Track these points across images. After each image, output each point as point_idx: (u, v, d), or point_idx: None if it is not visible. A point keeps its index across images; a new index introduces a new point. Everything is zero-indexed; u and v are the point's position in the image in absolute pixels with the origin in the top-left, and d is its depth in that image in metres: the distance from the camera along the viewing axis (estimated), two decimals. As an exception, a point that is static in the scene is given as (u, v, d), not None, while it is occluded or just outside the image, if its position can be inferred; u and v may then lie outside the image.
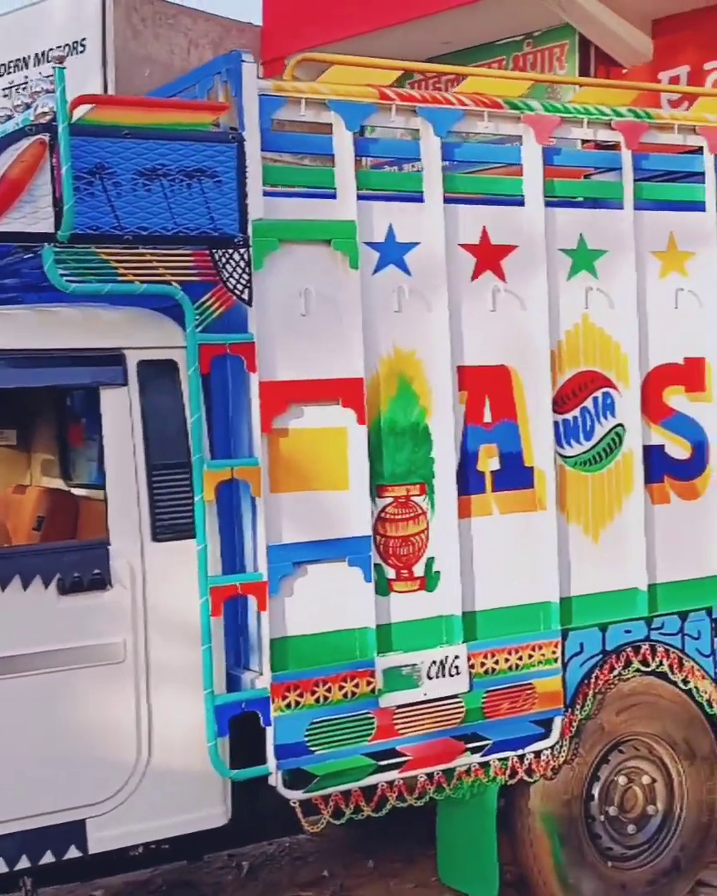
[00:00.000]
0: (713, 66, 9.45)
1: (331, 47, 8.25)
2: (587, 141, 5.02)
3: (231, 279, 4.15)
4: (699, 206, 5.27)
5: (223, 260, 4.14)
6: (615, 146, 5.06)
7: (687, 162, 5.25)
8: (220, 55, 4.44)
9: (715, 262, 5.24)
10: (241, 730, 4.33)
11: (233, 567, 4.37)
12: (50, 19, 11.99)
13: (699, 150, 5.23)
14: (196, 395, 4.14)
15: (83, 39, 11.74)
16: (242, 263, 4.16)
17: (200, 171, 4.08)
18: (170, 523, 4.23)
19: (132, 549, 4.19)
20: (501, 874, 4.81)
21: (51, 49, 12.27)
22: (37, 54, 12.12)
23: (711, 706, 5.25)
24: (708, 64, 9.44)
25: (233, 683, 4.40)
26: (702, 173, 5.24)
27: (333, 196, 4.41)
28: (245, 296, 4.18)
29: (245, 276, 4.17)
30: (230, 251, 4.14)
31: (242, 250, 4.16)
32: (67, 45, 11.92)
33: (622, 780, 5.13)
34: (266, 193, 4.25)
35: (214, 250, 4.12)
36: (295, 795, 4.35)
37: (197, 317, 4.13)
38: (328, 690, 4.37)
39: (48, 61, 12.33)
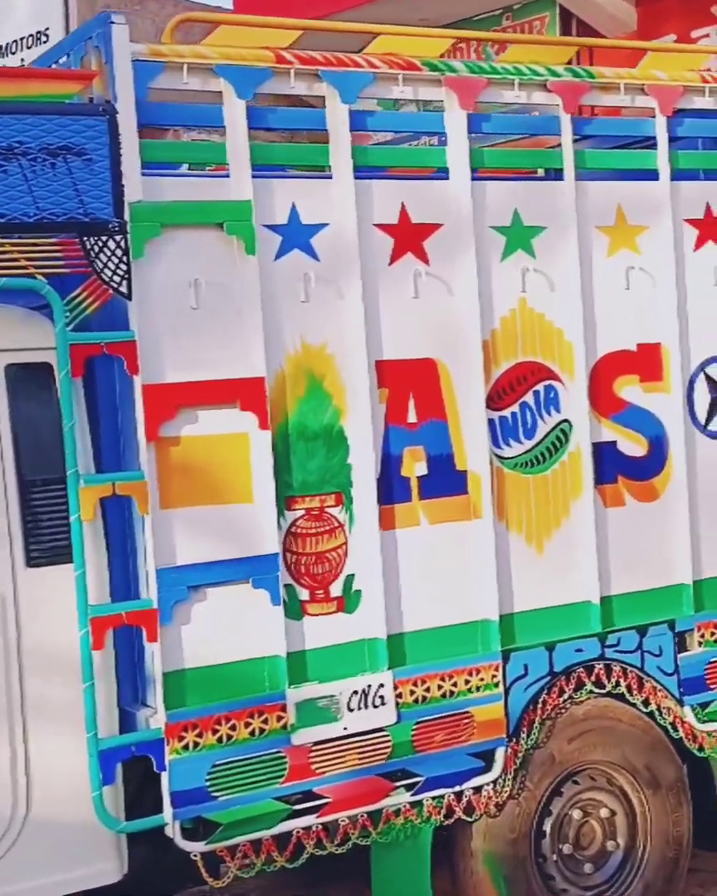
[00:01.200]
0: (701, 34, 9.11)
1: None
2: (521, 105, 4.66)
3: (106, 270, 3.79)
4: (651, 175, 4.91)
5: (96, 249, 3.78)
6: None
7: (636, 126, 4.89)
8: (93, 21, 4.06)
9: (671, 236, 4.90)
10: (146, 771, 4.02)
11: (124, 594, 4.02)
12: (12, 10, 11.82)
13: (651, 112, 4.91)
14: (68, 401, 3.78)
15: (46, 29, 11.60)
16: (118, 252, 3.80)
17: (65, 149, 3.71)
18: (46, 547, 3.88)
19: (4, 576, 3.86)
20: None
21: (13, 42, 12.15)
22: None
23: (675, 729, 4.93)
24: (696, 31, 9.11)
25: (128, 722, 4.07)
26: (653, 138, 4.91)
27: (226, 174, 4.08)
28: (123, 288, 3.81)
29: (122, 266, 3.80)
30: (104, 238, 3.77)
31: (117, 237, 3.79)
32: (31, 36, 11.72)
33: (576, 814, 4.78)
34: (146, 172, 3.88)
35: (85, 238, 3.77)
36: (195, 847, 3.99)
37: (67, 313, 3.78)
38: (233, 728, 4.02)
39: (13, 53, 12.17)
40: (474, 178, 4.45)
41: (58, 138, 3.71)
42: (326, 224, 4.21)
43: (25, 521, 3.86)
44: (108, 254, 3.79)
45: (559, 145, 4.65)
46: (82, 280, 3.80)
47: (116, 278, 3.80)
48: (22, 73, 3.78)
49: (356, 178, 4.25)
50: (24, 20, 11.81)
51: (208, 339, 4.00)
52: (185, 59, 3.94)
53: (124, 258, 3.81)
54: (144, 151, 3.86)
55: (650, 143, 4.88)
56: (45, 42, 11.41)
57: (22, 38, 12.00)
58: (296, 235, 4.16)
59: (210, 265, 3.99)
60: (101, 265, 3.78)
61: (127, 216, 3.82)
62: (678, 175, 4.91)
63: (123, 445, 3.99)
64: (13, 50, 12.26)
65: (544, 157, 4.74)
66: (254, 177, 4.07)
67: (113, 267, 3.79)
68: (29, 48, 11.90)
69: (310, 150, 4.23)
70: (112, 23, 3.78)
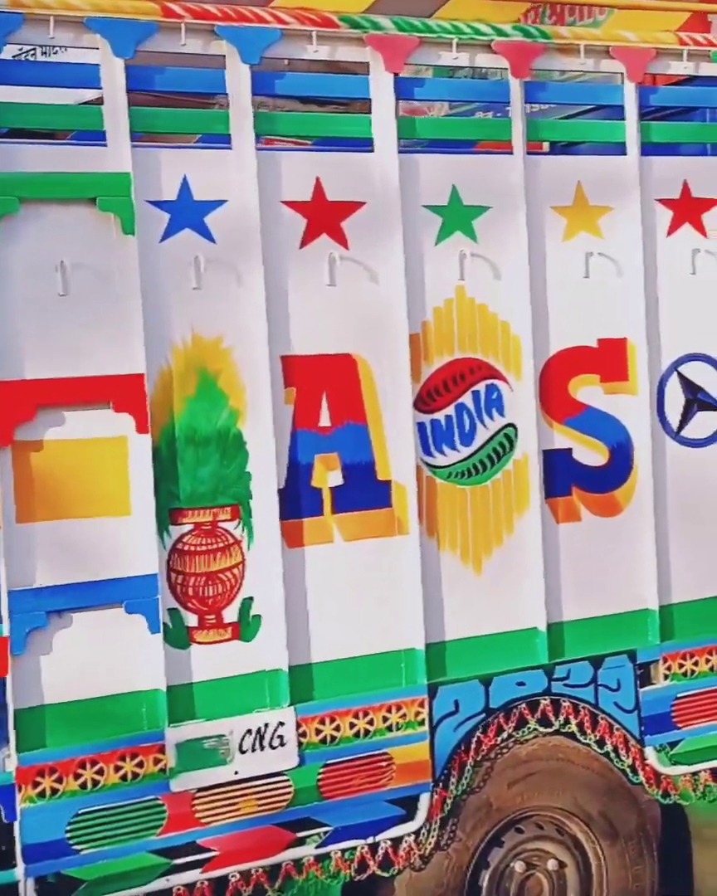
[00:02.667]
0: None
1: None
2: (460, 68, 4.06)
3: (-49, 251, 3.29)
4: (617, 149, 4.28)
5: (-61, 226, 3.28)
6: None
7: (600, 92, 4.26)
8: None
9: (639, 218, 4.26)
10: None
11: (-9, 619, 3.53)
12: None
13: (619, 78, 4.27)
14: None
15: None
16: (-35, 230, 3.30)
17: None
18: None
19: None
20: None
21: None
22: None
23: (635, 772, 4.31)
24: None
25: (-12, 763, 3.59)
26: (621, 107, 4.28)
27: (104, 142, 3.53)
28: (-29, 272, 3.32)
29: (-29, 246, 3.31)
30: (-52, 214, 3.27)
31: (-35, 213, 3.30)
32: None
33: (519, 866, 4.18)
34: (2, 140, 3.38)
35: None
36: (52, 908, 3.51)
37: None
38: (100, 772, 3.46)
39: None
40: (403, 151, 3.87)
41: None
42: (224, 201, 3.62)
43: None
44: (-46, 232, 3.27)
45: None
46: None
47: (-37, 260, 3.28)
48: None
49: (263, 149, 3.70)
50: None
51: (78, 330, 3.43)
52: (51, 11, 3.37)
53: (-28, 237, 3.29)
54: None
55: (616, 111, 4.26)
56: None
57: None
58: (187, 213, 3.57)
59: (80, 246, 3.43)
60: (-56, 245, 3.26)
61: (-23, 189, 3.31)
62: (649, 149, 4.27)
63: (-25, 451, 3.48)
64: None
65: (488, 128, 4.12)
66: (137, 146, 3.52)
67: (-41, 247, 3.27)
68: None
69: (204, 116, 3.65)
70: (-41, -30, 3.25)
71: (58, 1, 3.39)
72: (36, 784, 3.41)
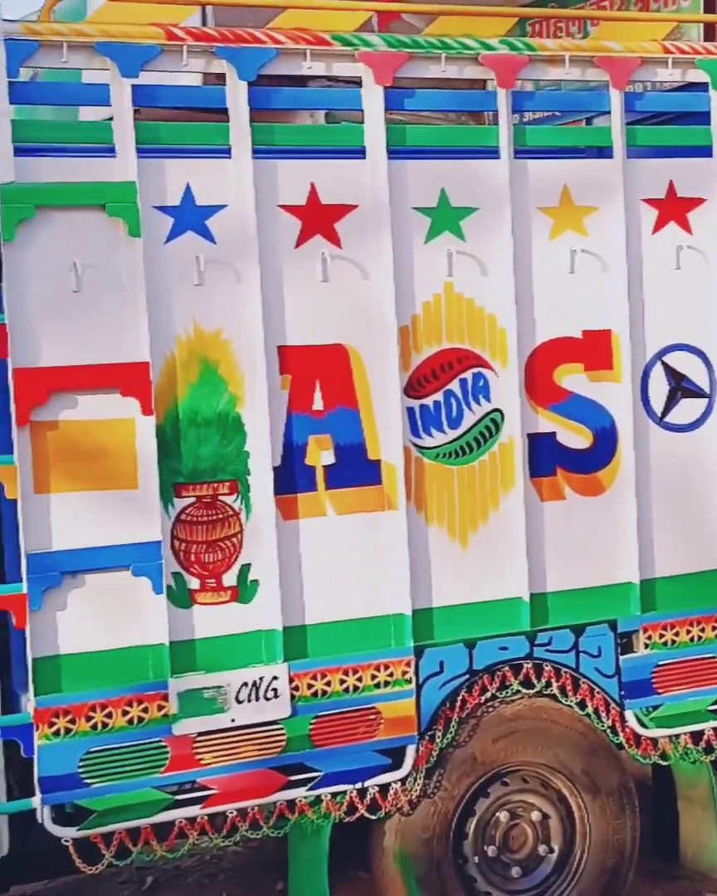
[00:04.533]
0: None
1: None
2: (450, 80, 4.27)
3: (-27, 253, 3.63)
4: (603, 152, 4.46)
5: (-37, 231, 3.62)
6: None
7: (585, 100, 4.45)
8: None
9: (624, 217, 4.43)
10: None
11: (15, 577, 3.87)
12: None
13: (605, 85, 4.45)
14: (-68, 384, 3.64)
15: None
16: (-14, 234, 3.64)
17: (-70, 131, 3.56)
18: None
19: None
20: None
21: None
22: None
23: (615, 733, 4.51)
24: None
25: (15, 705, 3.92)
26: (607, 113, 4.46)
27: (113, 154, 3.84)
28: (-9, 271, 3.66)
29: (-9, 249, 3.65)
30: (-29, 221, 3.61)
31: (-14, 219, 3.64)
32: None
33: (503, 816, 4.41)
34: (20, 152, 3.66)
35: (-49, 220, 3.61)
36: (66, 833, 3.79)
37: (-67, 297, 3.63)
38: (109, 716, 3.79)
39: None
40: (393, 158, 4.11)
41: None
42: (224, 205, 3.91)
43: None
44: (-24, 236, 3.61)
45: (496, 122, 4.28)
46: (-52, 264, 3.64)
47: (-16, 261, 3.62)
48: None
49: (262, 157, 3.97)
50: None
51: (89, 323, 3.75)
52: (64, 38, 3.70)
53: (-6, 241, 3.63)
54: (17, 131, 3.65)
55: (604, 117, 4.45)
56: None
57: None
58: (190, 217, 3.86)
59: (91, 248, 3.74)
60: (-33, 248, 3.60)
61: (-3, 199, 3.64)
62: (635, 152, 4.45)
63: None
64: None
65: (475, 135, 4.34)
66: (145, 157, 3.81)
67: (-19, 250, 3.61)
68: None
69: (206, 129, 3.93)
70: (-19, 3, 3.59)
71: (70, 28, 3.72)
72: (51, 724, 3.75)
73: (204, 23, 9.67)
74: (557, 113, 4.93)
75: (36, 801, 3.76)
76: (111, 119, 3.83)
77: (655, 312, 4.50)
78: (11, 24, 3.63)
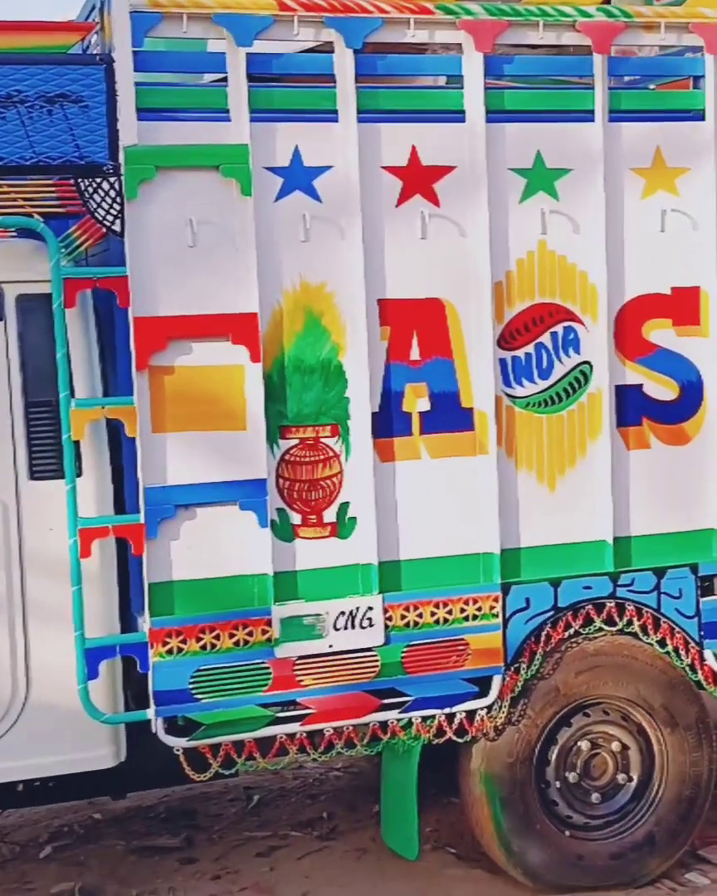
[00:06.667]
0: None
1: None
2: (548, 46, 4.29)
3: (99, 210, 3.75)
4: (696, 115, 4.43)
5: (90, 190, 3.75)
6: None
7: (679, 65, 4.42)
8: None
9: (714, 178, 4.38)
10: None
11: (134, 509, 4.04)
12: None
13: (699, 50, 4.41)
14: (61, 330, 3.78)
15: None
16: (111, 193, 3.75)
17: (62, 97, 3.67)
18: (47, 462, 3.94)
19: (7, 487, 3.94)
20: (421, 835, 4.37)
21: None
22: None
23: (693, 671, 4.55)
24: None
25: (133, 627, 4.11)
26: (701, 77, 4.43)
27: (227, 118, 3.95)
28: (115, 227, 3.77)
29: (115, 206, 3.76)
30: (98, 180, 3.74)
31: (111, 179, 3.76)
32: None
33: (584, 745, 4.48)
34: (143, 117, 3.78)
35: (79, 180, 3.76)
36: (177, 743, 3.97)
37: (62, 249, 3.80)
38: (217, 638, 3.96)
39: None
40: (490, 121, 4.16)
41: (55, 87, 3.67)
42: (330, 166, 4.01)
43: (30, 438, 3.94)
44: (102, 194, 3.76)
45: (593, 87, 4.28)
46: (78, 219, 3.80)
47: (110, 218, 3.77)
48: (21, 26, 3.75)
49: (366, 121, 4.05)
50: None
51: (203, 276, 3.89)
52: (184, 9, 3.81)
53: (118, 199, 3.76)
54: (140, 98, 3.78)
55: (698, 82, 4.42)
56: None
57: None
58: (298, 177, 3.97)
59: (206, 206, 3.87)
60: (94, 205, 3.75)
61: (121, 159, 3.78)
62: (728, 114, 4.44)
63: (121, 373, 3.99)
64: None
65: (569, 99, 4.33)
66: (257, 121, 3.93)
67: (106, 207, 3.76)
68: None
69: (314, 94, 4.01)
70: (110, -23, 3.72)
71: (190, 1, 3.84)
72: (165, 643, 3.93)
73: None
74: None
75: (150, 712, 3.96)
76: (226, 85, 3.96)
77: (742, 270, 4.50)
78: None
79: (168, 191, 3.85)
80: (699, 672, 4.52)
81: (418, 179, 4.10)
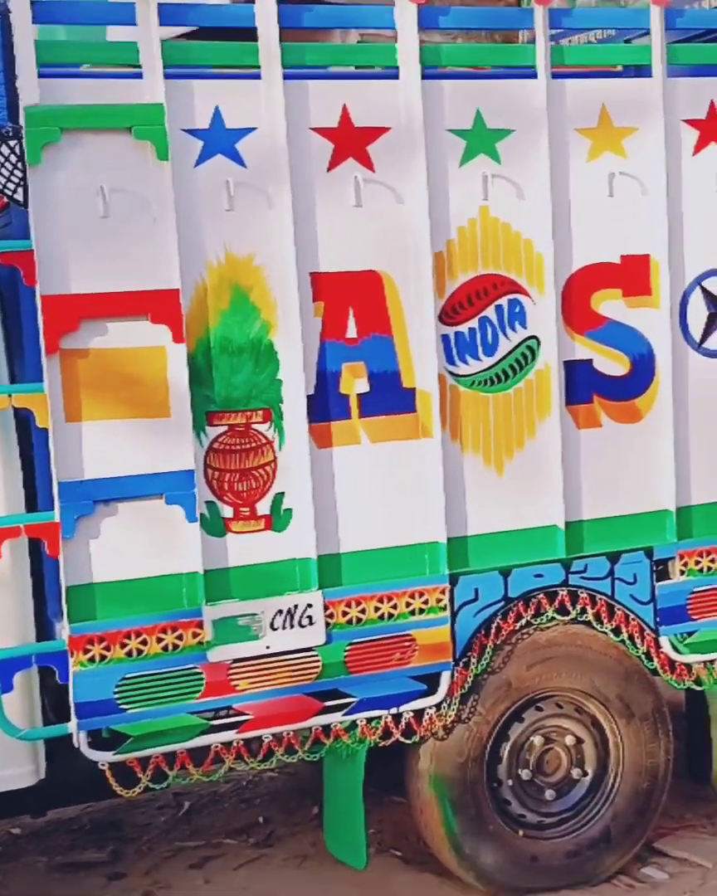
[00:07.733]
0: None
1: None
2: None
3: (-1, 178, 3.37)
4: (643, 71, 4.06)
5: (-12, 155, 3.36)
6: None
7: (624, 17, 4.08)
8: None
9: (663, 138, 4.08)
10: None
11: (47, 506, 3.66)
12: None
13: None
14: (-41, 312, 3.40)
15: None
16: (12, 158, 3.33)
17: (-48, 52, 3.29)
18: (-47, 457, 3.56)
19: None
20: (369, 843, 4.05)
21: None
22: None
23: (650, 659, 4.27)
24: None
25: (50, 634, 3.73)
26: (647, 31, 4.07)
27: (140, 75, 3.54)
28: (17, 196, 3.36)
29: (17, 172, 3.35)
30: (-4, 144, 3.35)
31: (12, 143, 3.34)
32: None
33: (537, 740, 4.18)
34: (44, 75, 3.36)
35: (-25, 144, 3.35)
36: (102, 757, 3.60)
37: (-42, 222, 3.39)
38: (143, 643, 3.58)
39: None
40: (427, 77, 3.79)
41: (-56, 41, 3.27)
42: (254, 128, 3.61)
43: (-67, 432, 3.54)
44: (2, 160, 3.33)
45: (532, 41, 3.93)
46: (-24, 188, 3.38)
47: (11, 186, 3.33)
48: None
49: (293, 79, 3.67)
50: None
51: (118, 249, 3.48)
52: (83, -45, 3.41)
53: (19, 164, 3.33)
54: (41, 53, 3.36)
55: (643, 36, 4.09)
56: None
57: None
58: (219, 140, 3.57)
59: (119, 171, 3.46)
60: (-7, 172, 3.34)
61: (22, 121, 3.36)
62: (675, 71, 4.09)
63: (29, 358, 3.58)
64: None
65: (512, 54, 3.99)
66: (173, 78, 3.52)
67: (6, 174, 3.33)
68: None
69: (234, 48, 3.61)
70: None
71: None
72: (86, 651, 3.55)
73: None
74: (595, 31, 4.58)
75: (72, 726, 3.58)
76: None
77: (694, 237, 4.16)
78: (35, -59, 3.33)
79: (75, 155, 3.42)
80: (655, 660, 4.23)
81: (351, 142, 3.72)
